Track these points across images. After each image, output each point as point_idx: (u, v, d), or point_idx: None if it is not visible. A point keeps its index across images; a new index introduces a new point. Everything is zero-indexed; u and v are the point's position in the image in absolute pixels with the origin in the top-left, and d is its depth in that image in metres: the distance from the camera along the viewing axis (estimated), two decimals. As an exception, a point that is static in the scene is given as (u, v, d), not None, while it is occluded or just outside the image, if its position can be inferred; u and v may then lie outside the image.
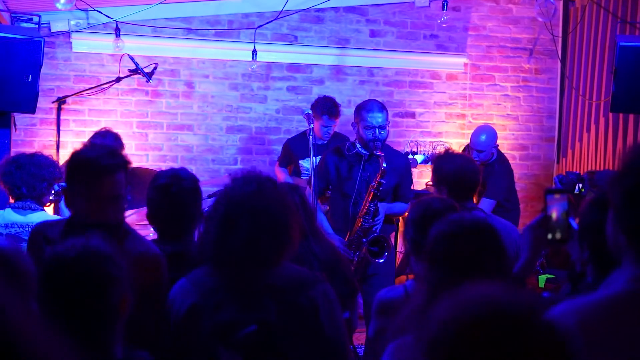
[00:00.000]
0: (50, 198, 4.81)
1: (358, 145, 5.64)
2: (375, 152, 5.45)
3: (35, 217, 4.42)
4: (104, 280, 2.26)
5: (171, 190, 3.44)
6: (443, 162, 4.47)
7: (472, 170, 4.42)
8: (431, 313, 1.45)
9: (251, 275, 2.73)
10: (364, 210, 5.47)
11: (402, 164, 5.87)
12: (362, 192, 5.55)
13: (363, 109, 5.59)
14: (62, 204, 4.88)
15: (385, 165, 5.37)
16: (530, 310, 1.41)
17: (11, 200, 4.52)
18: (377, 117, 5.49)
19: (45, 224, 3.37)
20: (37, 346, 1.10)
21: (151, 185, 3.55)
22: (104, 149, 3.24)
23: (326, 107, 6.75)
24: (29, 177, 4.43)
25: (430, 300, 2.49)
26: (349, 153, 5.67)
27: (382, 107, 5.59)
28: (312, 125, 5.71)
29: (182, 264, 3.29)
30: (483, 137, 6.68)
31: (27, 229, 4.34)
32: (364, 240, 5.49)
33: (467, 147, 7.00)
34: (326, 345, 2.77)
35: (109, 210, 3.12)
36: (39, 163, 4.50)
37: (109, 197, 3.12)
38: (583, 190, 4.85)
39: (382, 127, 5.49)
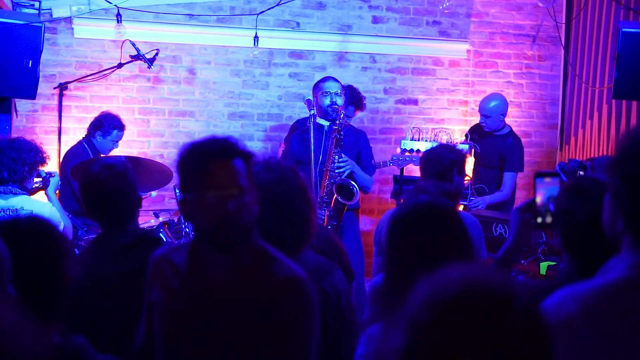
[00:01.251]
0: (36, 185, 4.82)
1: (318, 119, 6.01)
2: (333, 114, 5.91)
3: (18, 201, 4.46)
4: (55, 251, 2.24)
5: (100, 178, 3.36)
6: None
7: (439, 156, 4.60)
8: (411, 295, 1.46)
9: None
10: (330, 159, 5.82)
11: (361, 135, 6.20)
12: (325, 160, 5.87)
13: (319, 81, 6.17)
14: (50, 191, 4.89)
15: (343, 114, 5.86)
16: (508, 290, 1.42)
17: None
18: (332, 85, 6.01)
19: (169, 250, 2.71)
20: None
21: (81, 178, 3.48)
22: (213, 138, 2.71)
23: (354, 98, 7.10)
24: (9, 161, 4.46)
25: (392, 288, 2.49)
26: (309, 125, 5.90)
27: (336, 79, 6.14)
28: (313, 111, 5.83)
29: (134, 254, 3.26)
30: (492, 104, 6.90)
31: (8, 212, 4.38)
32: (333, 183, 5.78)
33: (468, 133, 7.02)
34: (348, 327, 2.80)
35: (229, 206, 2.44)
36: (19, 147, 4.52)
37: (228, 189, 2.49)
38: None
39: (337, 94, 5.98)
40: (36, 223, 2.27)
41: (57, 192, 5.28)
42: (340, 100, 5.96)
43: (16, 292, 2.10)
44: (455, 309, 1.38)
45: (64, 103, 7.26)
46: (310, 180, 5.70)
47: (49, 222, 2.29)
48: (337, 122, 5.80)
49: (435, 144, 6.51)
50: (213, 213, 2.36)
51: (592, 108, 7.55)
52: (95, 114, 6.96)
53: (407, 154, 6.59)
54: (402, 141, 6.67)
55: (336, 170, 5.77)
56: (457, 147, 5.18)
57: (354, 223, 6.05)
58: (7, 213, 4.38)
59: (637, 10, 6.59)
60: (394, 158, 6.43)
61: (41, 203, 4.57)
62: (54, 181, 4.99)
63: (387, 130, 8.00)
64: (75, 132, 7.23)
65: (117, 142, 6.68)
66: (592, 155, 7.46)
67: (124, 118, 7.33)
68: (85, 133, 6.70)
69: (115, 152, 6.74)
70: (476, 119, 7.85)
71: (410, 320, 1.43)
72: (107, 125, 6.59)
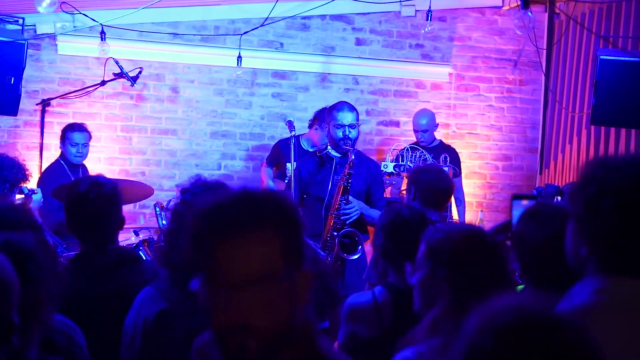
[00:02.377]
0: (18, 202, 4.83)
1: (329, 148, 5.74)
2: (344, 147, 5.52)
3: None
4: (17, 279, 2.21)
5: (89, 197, 3.35)
6: (418, 169, 4.62)
7: (443, 179, 4.54)
8: (466, 323, 1.52)
9: None
10: (335, 206, 5.48)
11: (374, 168, 5.95)
12: (334, 194, 5.57)
13: (334, 109, 5.68)
14: (32, 207, 4.89)
15: (353, 157, 5.44)
16: (559, 315, 1.50)
17: None
18: (347, 117, 5.57)
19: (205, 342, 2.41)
20: None
21: (68, 193, 3.48)
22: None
23: None
24: None
25: (450, 311, 2.50)
26: (319, 155, 5.74)
27: (352, 107, 5.69)
28: (293, 132, 5.79)
29: (114, 273, 3.27)
30: (428, 118, 7.33)
31: None
32: (336, 234, 5.48)
33: (446, 155, 7.10)
34: None
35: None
36: (1, 164, 4.54)
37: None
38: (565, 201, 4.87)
39: (352, 126, 5.56)
40: (10, 243, 2.25)
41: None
42: (354, 133, 5.57)
43: None
44: (514, 334, 1.43)
45: (46, 119, 7.26)
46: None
47: (25, 242, 2.26)
48: (347, 170, 5.46)
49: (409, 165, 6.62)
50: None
51: (572, 133, 7.63)
52: (78, 131, 6.99)
53: (387, 177, 6.62)
54: (382, 163, 6.70)
55: (342, 217, 5.48)
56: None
57: (363, 256, 5.66)
58: None
59: (615, 37, 6.67)
60: None
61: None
62: (36, 198, 4.99)
63: (369, 152, 8.01)
64: (56, 149, 7.21)
65: (78, 144, 6.56)
66: (571, 180, 7.53)
67: (106, 135, 7.38)
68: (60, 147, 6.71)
69: (96, 171, 6.75)
70: (459, 142, 7.95)
71: (469, 346, 1.48)
72: (62, 133, 6.60)
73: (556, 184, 5.26)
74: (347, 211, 5.48)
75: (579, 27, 7.58)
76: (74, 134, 6.53)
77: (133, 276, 3.03)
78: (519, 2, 7.03)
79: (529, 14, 4.65)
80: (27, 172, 4.69)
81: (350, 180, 5.44)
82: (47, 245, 2.34)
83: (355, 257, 5.47)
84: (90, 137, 6.67)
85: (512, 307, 1.50)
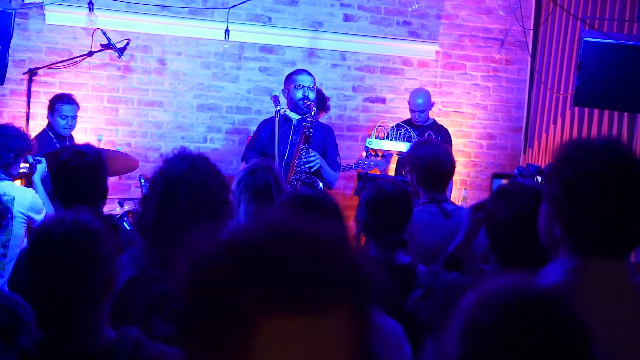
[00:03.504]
0: (23, 171, 4.88)
1: (287, 111, 6.11)
2: (304, 107, 5.96)
3: (1, 186, 4.50)
4: (91, 259, 2.24)
5: (70, 165, 3.49)
6: (418, 149, 4.58)
7: (445, 161, 4.49)
8: (462, 304, 1.58)
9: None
10: (297, 154, 5.78)
11: (327, 131, 6.30)
12: (293, 153, 5.89)
13: (293, 73, 6.24)
14: (36, 177, 4.93)
15: (315, 109, 5.91)
16: (552, 292, 1.59)
17: None
18: (305, 79, 6.10)
19: None
20: None
21: (53, 161, 3.64)
22: None
23: (319, 98, 6.96)
24: None
25: None
26: (278, 119, 5.90)
27: (309, 73, 6.20)
28: (278, 107, 5.88)
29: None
30: (425, 98, 7.37)
31: None
32: (298, 178, 5.81)
33: (430, 133, 7.15)
34: None
35: None
36: (6, 133, 4.59)
37: None
38: (542, 182, 4.93)
39: (310, 89, 6.05)
40: (75, 233, 2.28)
41: None
42: (312, 95, 6.00)
43: (60, 298, 2.16)
44: (512, 311, 1.50)
45: (33, 89, 7.25)
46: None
47: (88, 231, 2.29)
48: (308, 118, 5.81)
49: (400, 143, 6.65)
50: None
51: (556, 113, 7.69)
52: (64, 101, 6.99)
53: (372, 157, 6.67)
54: (367, 139, 6.76)
55: (304, 166, 5.80)
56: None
57: None
58: None
59: (600, 19, 6.72)
60: (359, 162, 6.52)
61: (24, 189, 4.63)
62: (41, 167, 5.03)
63: (355, 128, 8.09)
64: (43, 118, 7.21)
65: (67, 117, 6.57)
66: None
67: (93, 106, 7.39)
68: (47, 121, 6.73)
69: (82, 141, 6.76)
70: (444, 119, 7.98)
71: (468, 324, 1.54)
72: (51, 104, 6.61)
73: (537, 164, 5.32)
74: (310, 159, 5.85)
75: (565, 7, 7.61)
76: (64, 107, 6.53)
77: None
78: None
79: (514, -5, 4.66)
80: (31, 142, 4.76)
81: (311, 129, 5.81)
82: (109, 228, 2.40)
83: None
84: (78, 109, 6.69)
85: (509, 286, 1.56)
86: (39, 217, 4.55)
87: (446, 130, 7.48)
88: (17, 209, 4.46)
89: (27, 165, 4.92)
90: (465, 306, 1.57)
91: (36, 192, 4.88)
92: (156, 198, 2.81)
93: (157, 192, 2.80)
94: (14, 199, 4.49)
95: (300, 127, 5.90)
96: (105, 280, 2.27)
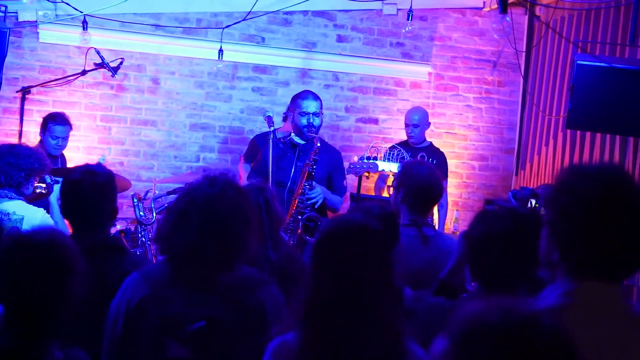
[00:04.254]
0: (39, 191, 4.88)
1: (292, 135, 5.95)
2: (310, 134, 5.78)
3: (11, 205, 4.53)
4: (63, 269, 2.28)
5: (82, 184, 3.49)
6: (411, 168, 4.55)
7: (435, 187, 4.42)
8: (452, 324, 1.60)
9: (199, 272, 2.80)
10: (299, 191, 5.67)
11: (335, 155, 6.20)
12: (297, 180, 5.75)
13: (298, 97, 6.01)
14: (52, 197, 4.92)
15: (319, 145, 5.68)
16: (538, 315, 1.59)
17: None
18: (311, 105, 5.91)
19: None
20: None
21: (64, 180, 3.64)
22: None
23: None
24: (6, 165, 4.56)
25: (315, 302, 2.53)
26: (283, 142, 5.84)
27: (316, 97, 6.00)
28: (272, 128, 5.81)
29: (93, 258, 3.36)
30: (420, 114, 7.42)
31: (1, 216, 4.46)
32: (300, 218, 5.65)
33: (423, 154, 7.16)
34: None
35: None
36: (18, 153, 4.60)
37: None
38: (537, 205, 4.93)
39: (316, 114, 5.88)
40: (46, 241, 2.31)
41: None
42: (318, 121, 5.87)
43: (14, 308, 2.17)
44: (500, 334, 1.54)
45: (25, 107, 7.24)
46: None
47: (60, 241, 2.33)
48: (312, 156, 5.65)
49: (393, 164, 6.65)
50: None
51: (548, 135, 7.72)
52: (57, 120, 6.98)
53: (364, 161, 6.65)
54: (359, 156, 6.76)
55: (307, 202, 5.69)
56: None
57: None
58: (0, 216, 4.47)
59: (592, 42, 6.75)
60: (352, 166, 6.47)
61: (34, 209, 4.59)
62: (58, 188, 5.00)
63: (347, 148, 8.09)
64: (35, 137, 7.20)
65: (58, 137, 6.57)
66: (546, 181, 7.62)
67: (86, 125, 7.38)
68: (39, 138, 6.72)
69: (75, 160, 6.76)
70: (436, 140, 8.00)
71: (458, 347, 1.58)
72: (44, 122, 6.61)
73: (531, 187, 5.32)
74: (312, 196, 5.74)
75: (558, 30, 7.65)
76: (56, 127, 6.53)
77: (114, 265, 3.09)
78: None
79: (507, 18, 4.69)
80: (44, 162, 4.74)
81: (314, 167, 5.67)
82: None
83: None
84: (71, 129, 6.68)
85: (497, 308, 1.58)
86: None
87: (442, 153, 7.49)
88: (26, 228, 4.44)
89: (44, 185, 4.92)
90: (455, 328, 1.58)
91: (52, 212, 4.85)
92: (175, 214, 2.80)
93: (177, 208, 2.80)
94: (23, 218, 4.48)
95: (305, 152, 5.79)
96: (69, 293, 2.28)
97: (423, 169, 4.44)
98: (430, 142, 7.59)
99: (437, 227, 6.62)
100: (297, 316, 2.50)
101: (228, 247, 2.79)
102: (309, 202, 5.69)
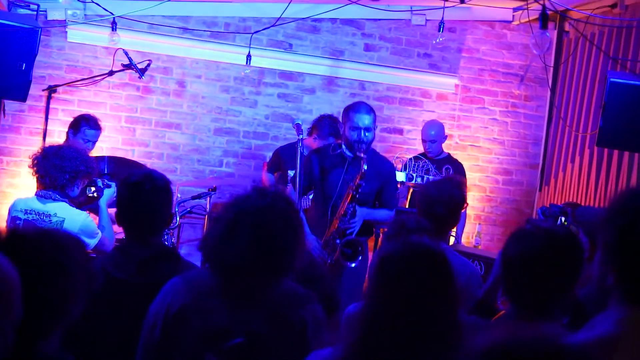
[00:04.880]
0: (90, 195, 4.88)
1: (343, 147, 5.72)
2: (358, 154, 5.50)
3: (54, 207, 4.54)
4: (55, 268, 2.23)
5: (144, 188, 3.41)
6: (426, 187, 4.50)
7: (441, 203, 4.30)
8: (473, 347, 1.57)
9: (245, 285, 2.75)
10: (342, 212, 5.51)
11: (387, 169, 5.91)
12: (343, 194, 5.58)
13: (351, 109, 5.68)
14: (101, 201, 4.90)
15: (365, 168, 5.41)
16: (561, 346, 1.56)
17: (39, 189, 4.63)
18: (363, 119, 5.58)
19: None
20: None
21: (123, 183, 3.53)
22: None
23: (334, 130, 6.72)
24: (51, 167, 4.56)
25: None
26: (333, 153, 5.73)
27: (369, 110, 5.68)
28: (301, 136, 5.70)
29: (152, 267, 3.34)
30: (437, 128, 7.37)
31: (43, 217, 4.49)
32: (338, 241, 5.52)
33: (448, 166, 7.12)
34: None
35: None
36: (63, 155, 4.60)
37: None
38: (566, 223, 4.88)
39: (367, 129, 5.57)
40: (44, 238, 2.26)
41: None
42: (370, 136, 5.59)
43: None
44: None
45: (51, 105, 7.23)
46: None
47: (60, 238, 2.28)
48: (357, 181, 5.44)
49: (410, 175, 6.60)
50: None
51: (574, 152, 7.65)
52: (82, 119, 6.98)
53: None
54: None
55: (347, 225, 5.53)
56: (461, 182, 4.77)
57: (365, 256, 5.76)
58: (42, 217, 4.49)
59: (624, 60, 6.69)
60: None
61: (77, 212, 4.57)
62: (108, 192, 4.96)
63: (371, 158, 8.04)
64: (60, 135, 7.22)
65: (89, 141, 6.51)
66: (571, 198, 7.54)
67: (110, 125, 7.36)
68: (65, 137, 6.68)
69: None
70: (460, 153, 7.96)
71: None
72: (76, 123, 6.57)
73: (560, 204, 5.25)
74: (351, 226, 5.53)
75: (587, 46, 7.59)
76: (89, 131, 6.46)
77: (169, 272, 3.04)
78: (531, 18, 7.09)
79: (547, 34, 4.64)
80: (91, 165, 4.72)
81: (359, 190, 5.45)
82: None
83: (354, 265, 5.53)
84: (101, 133, 6.64)
85: (524, 339, 1.55)
86: (91, 241, 4.48)
87: (460, 164, 7.43)
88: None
89: (93, 188, 4.91)
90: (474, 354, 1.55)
91: (100, 216, 4.83)
92: (222, 224, 2.74)
93: (225, 219, 2.75)
94: (63, 220, 4.47)
95: (355, 167, 5.58)
96: (62, 292, 2.21)
97: (434, 188, 4.41)
98: (448, 153, 7.54)
99: (453, 240, 6.56)
100: (347, 333, 2.45)
101: (277, 260, 2.74)
102: (347, 231, 5.57)
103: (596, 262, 2.25)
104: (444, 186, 4.44)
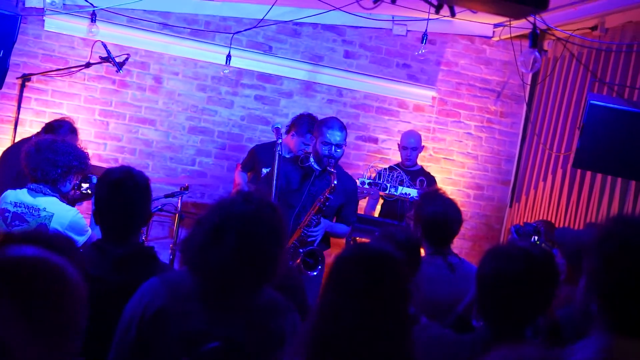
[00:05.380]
0: (86, 192, 4.79)
1: (312, 159, 5.80)
2: (328, 169, 5.64)
3: (44, 201, 4.42)
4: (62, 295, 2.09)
5: (127, 184, 3.36)
6: (429, 204, 4.50)
7: (454, 220, 4.42)
8: None
9: (226, 290, 2.71)
10: (306, 222, 5.64)
11: (351, 186, 6.06)
12: (307, 206, 5.72)
13: (324, 124, 5.77)
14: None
15: (336, 182, 5.53)
16: None
17: (31, 182, 4.52)
18: (335, 135, 5.68)
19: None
20: None
21: (103, 180, 3.47)
22: None
23: (312, 127, 6.70)
24: (44, 161, 4.46)
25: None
26: (302, 165, 5.77)
27: (342, 127, 5.77)
28: (280, 140, 5.71)
29: (129, 266, 3.28)
30: (416, 136, 7.40)
31: (32, 210, 4.37)
32: (301, 250, 5.63)
33: (422, 178, 7.10)
34: None
35: None
36: (56, 149, 4.50)
37: None
38: (538, 242, 4.89)
39: (339, 146, 5.69)
40: (42, 264, 2.12)
41: None
42: (339, 152, 5.72)
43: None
44: None
45: (24, 94, 7.14)
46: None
47: (58, 264, 2.14)
48: (326, 194, 5.58)
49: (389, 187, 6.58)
50: None
51: (547, 170, 7.68)
52: (55, 110, 6.93)
53: (364, 186, 6.63)
54: (359, 179, 6.68)
55: (308, 238, 5.66)
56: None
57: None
58: (30, 211, 4.38)
59: (609, 84, 6.73)
60: None
61: (66, 208, 4.47)
62: None
63: (345, 165, 7.94)
64: (31, 125, 7.12)
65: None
66: (541, 216, 7.57)
67: (84, 118, 7.27)
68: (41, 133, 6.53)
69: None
70: (434, 165, 7.98)
71: None
72: (61, 133, 6.38)
73: (533, 223, 5.26)
74: (313, 234, 5.69)
75: (565, 66, 7.63)
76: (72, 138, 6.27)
77: (145, 272, 2.98)
78: (512, 35, 7.11)
79: (537, 53, 4.64)
80: (85, 161, 4.62)
81: (326, 204, 5.60)
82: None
83: (315, 273, 5.68)
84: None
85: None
86: (80, 238, 4.37)
87: (433, 177, 7.43)
88: (54, 226, 4.32)
89: (87, 185, 4.83)
90: None
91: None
92: (207, 228, 2.69)
93: (210, 223, 2.69)
94: (52, 215, 4.35)
95: (321, 180, 5.74)
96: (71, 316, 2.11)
97: (439, 205, 4.42)
98: (421, 166, 7.53)
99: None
100: (303, 340, 2.44)
101: (261, 268, 2.71)
102: (309, 239, 5.64)
103: (580, 286, 2.24)
104: (452, 207, 4.51)
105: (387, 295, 2.42)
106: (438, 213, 4.32)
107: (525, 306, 2.83)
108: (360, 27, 7.97)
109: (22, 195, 4.46)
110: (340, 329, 2.35)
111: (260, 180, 6.39)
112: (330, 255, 7.88)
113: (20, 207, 4.41)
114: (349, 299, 2.39)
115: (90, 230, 4.51)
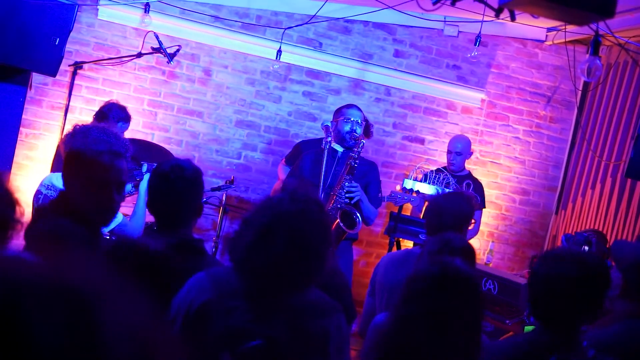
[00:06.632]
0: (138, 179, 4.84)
1: (333, 143, 6.13)
2: (352, 140, 6.04)
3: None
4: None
5: (170, 177, 3.39)
6: (435, 199, 4.63)
7: (449, 211, 4.38)
8: None
9: (272, 290, 2.70)
10: (339, 184, 5.90)
11: (371, 167, 6.37)
12: (333, 185, 5.94)
13: (343, 107, 6.35)
14: (141, 185, 4.83)
15: (364, 141, 6.03)
16: None
17: None
18: (355, 114, 6.19)
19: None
20: None
21: (153, 172, 3.54)
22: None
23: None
24: None
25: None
26: (324, 147, 6.00)
27: (360, 109, 6.32)
28: (329, 138, 5.82)
29: (181, 256, 3.27)
30: (464, 141, 7.33)
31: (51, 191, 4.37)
32: (338, 207, 5.87)
33: (469, 182, 7.05)
34: None
35: None
36: (90, 135, 4.48)
37: None
38: (590, 251, 4.83)
39: (358, 124, 6.13)
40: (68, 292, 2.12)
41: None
42: (359, 129, 6.06)
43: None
44: None
45: (76, 81, 7.18)
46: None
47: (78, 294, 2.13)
48: (355, 150, 5.89)
49: (435, 187, 6.53)
50: None
51: (596, 178, 7.58)
52: (105, 98, 6.92)
53: (405, 192, 6.59)
54: (405, 179, 6.64)
55: (345, 195, 5.84)
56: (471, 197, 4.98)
57: (349, 253, 6.08)
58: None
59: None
60: (392, 195, 6.41)
61: None
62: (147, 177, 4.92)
63: (390, 165, 7.99)
64: (81, 112, 7.17)
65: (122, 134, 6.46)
66: (588, 225, 7.48)
67: (132, 107, 7.27)
68: (92, 121, 6.56)
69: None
70: (480, 169, 7.90)
71: None
72: (111, 117, 6.36)
73: (584, 232, 5.20)
74: (352, 189, 5.91)
75: (620, 75, 7.52)
76: (125, 126, 6.23)
77: (192, 266, 2.98)
78: (567, 40, 7.01)
79: (597, 61, 4.57)
80: (125, 146, 4.62)
81: (357, 161, 5.89)
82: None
83: (354, 231, 5.96)
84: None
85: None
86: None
87: (480, 183, 7.33)
88: None
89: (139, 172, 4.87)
90: None
91: (137, 201, 4.79)
92: (256, 227, 2.69)
93: (259, 223, 2.69)
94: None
95: (344, 158, 5.92)
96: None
97: (441, 200, 4.54)
98: (469, 171, 7.45)
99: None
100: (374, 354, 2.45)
101: (309, 267, 2.70)
102: (346, 196, 5.79)
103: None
104: (454, 199, 4.54)
105: (467, 317, 2.50)
106: (433, 205, 4.61)
107: (576, 309, 2.88)
108: (412, 26, 7.91)
109: (55, 179, 4.46)
110: (415, 342, 2.41)
111: (290, 171, 6.47)
112: (371, 256, 7.87)
113: (50, 189, 4.42)
114: (429, 316, 2.45)
115: (121, 217, 4.52)
